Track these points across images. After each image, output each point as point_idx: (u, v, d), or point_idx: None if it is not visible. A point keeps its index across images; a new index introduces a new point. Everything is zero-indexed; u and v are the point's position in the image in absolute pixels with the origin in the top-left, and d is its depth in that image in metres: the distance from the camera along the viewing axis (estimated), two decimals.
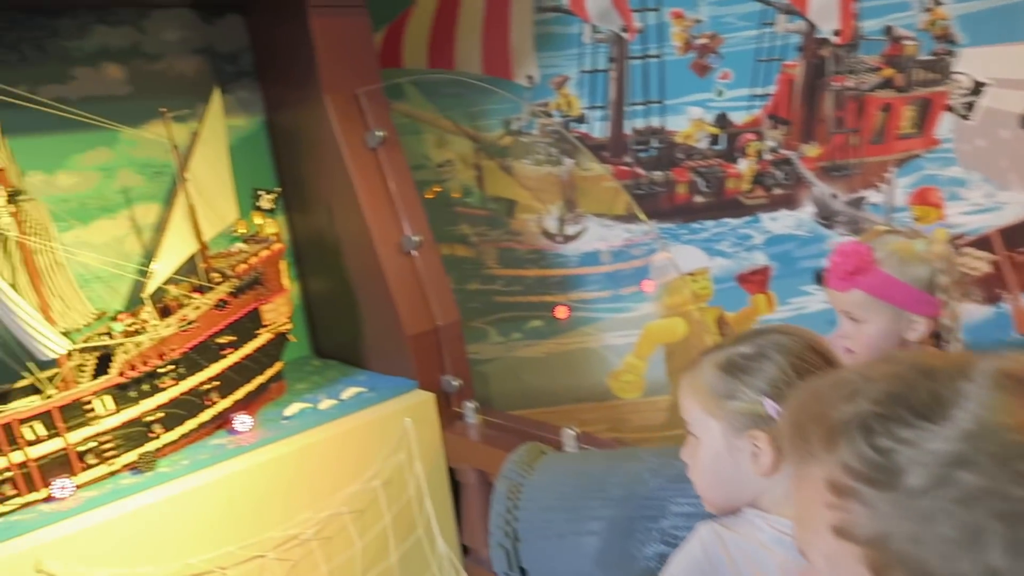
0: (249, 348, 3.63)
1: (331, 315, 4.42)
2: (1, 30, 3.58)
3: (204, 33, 4.19)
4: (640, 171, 4.78)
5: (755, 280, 4.77)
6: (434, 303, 3.95)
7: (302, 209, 4.36)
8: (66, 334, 3.32)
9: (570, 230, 4.79)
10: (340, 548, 3.30)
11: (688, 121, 4.72)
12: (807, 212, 4.67)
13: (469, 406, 3.78)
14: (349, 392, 3.68)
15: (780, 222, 4.73)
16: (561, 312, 4.66)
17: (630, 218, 4.77)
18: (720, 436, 1.69)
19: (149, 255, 3.93)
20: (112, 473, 3.06)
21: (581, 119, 4.85)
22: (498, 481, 2.68)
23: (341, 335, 4.35)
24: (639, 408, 4.61)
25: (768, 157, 4.71)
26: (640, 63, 4.72)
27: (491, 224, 4.82)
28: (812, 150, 4.65)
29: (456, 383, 3.85)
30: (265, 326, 3.70)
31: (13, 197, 3.08)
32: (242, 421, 3.38)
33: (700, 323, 4.70)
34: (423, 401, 3.68)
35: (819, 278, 4.81)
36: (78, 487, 2.96)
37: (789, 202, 4.74)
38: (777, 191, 4.72)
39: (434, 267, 4.02)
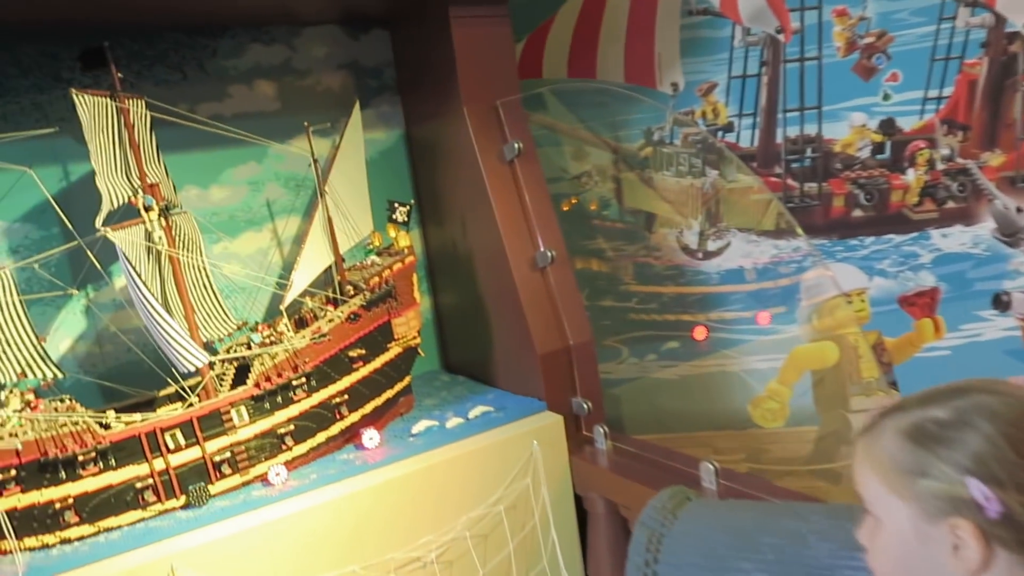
0: (379, 362, 3.65)
1: (461, 330, 4.39)
2: (167, 51, 3.79)
3: (350, 49, 4.29)
4: (792, 183, 4.45)
5: (921, 303, 4.31)
6: (567, 321, 3.82)
7: (437, 222, 4.36)
8: (209, 343, 3.48)
9: (712, 246, 4.52)
10: (462, 574, 3.23)
11: (848, 128, 4.34)
12: (986, 228, 4.17)
13: (599, 431, 3.62)
14: (477, 411, 3.61)
15: (953, 239, 4.26)
16: (699, 333, 4.40)
17: (779, 233, 4.44)
18: (908, 522, 1.38)
19: (290, 267, 4.05)
20: (245, 484, 3.13)
21: (728, 128, 4.58)
22: (637, 528, 2.48)
23: (471, 351, 4.31)
24: (781, 438, 4.28)
25: (941, 167, 4.25)
26: (796, 66, 4.39)
27: (628, 238, 4.63)
28: (995, 159, 4.15)
29: (586, 405, 3.71)
30: (395, 340, 3.72)
31: (165, 211, 3.24)
32: (370, 437, 3.39)
33: (853, 349, 4.30)
34: (552, 424, 3.55)
35: (999, 302, 4.30)
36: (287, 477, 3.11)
37: (964, 216, 4.25)
38: (950, 204, 4.25)
39: (567, 283, 3.89)
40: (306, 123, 3.68)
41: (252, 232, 4.02)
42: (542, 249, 3.84)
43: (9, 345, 3.11)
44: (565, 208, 4.57)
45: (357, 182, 3.91)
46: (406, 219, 3.80)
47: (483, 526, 3.30)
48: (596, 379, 3.84)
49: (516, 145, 3.87)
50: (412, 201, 3.82)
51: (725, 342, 4.40)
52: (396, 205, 3.78)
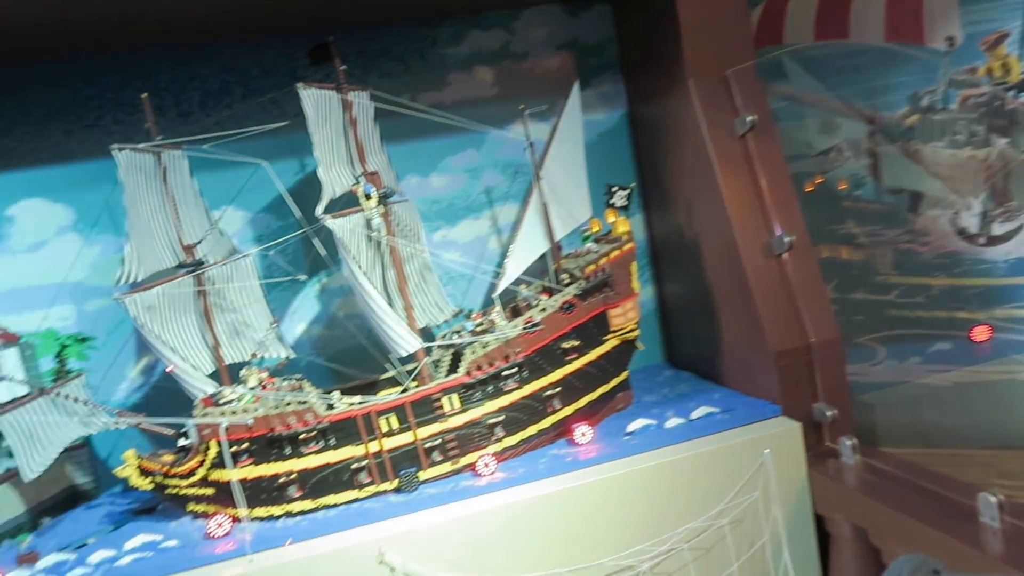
0: (594, 354, 3.45)
1: (687, 322, 4.05)
2: (391, 44, 3.88)
3: (570, 27, 4.13)
4: None
5: None
6: (807, 315, 3.35)
7: (661, 206, 4.06)
8: (426, 329, 3.50)
9: (998, 229, 3.75)
10: None
11: None
12: None
13: (847, 443, 3.12)
14: (700, 411, 3.28)
15: None
16: (980, 333, 3.67)
17: None
18: None
19: (505, 255, 3.99)
20: (455, 472, 3.08)
21: (1023, 86, 3.78)
22: None
23: (696, 345, 3.96)
24: None
25: None
26: None
27: (887, 221, 3.99)
28: None
29: (831, 413, 3.22)
30: (612, 332, 3.49)
31: (384, 199, 3.28)
32: (582, 432, 3.20)
33: None
34: (787, 431, 3.13)
35: None
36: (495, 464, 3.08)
37: None
38: None
39: (809, 272, 3.41)
40: (522, 107, 3.58)
41: (470, 220, 4.01)
42: (778, 234, 3.40)
43: (248, 326, 3.34)
44: (809, 189, 4.04)
45: (574, 166, 3.73)
46: (626, 203, 3.55)
47: (704, 540, 2.97)
48: (844, 382, 3.33)
49: (749, 119, 3.47)
50: (633, 184, 3.56)
51: (1016, 345, 3.64)
52: (615, 189, 3.55)
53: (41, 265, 3.50)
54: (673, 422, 3.24)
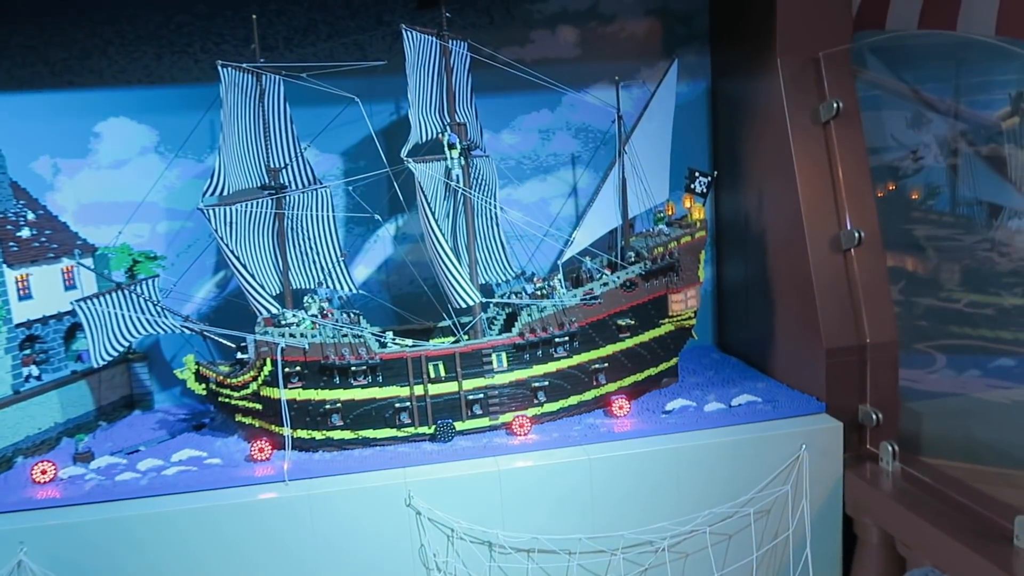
0: (647, 336, 3.45)
1: (741, 307, 4.00)
2: None
3: None
4: None
5: None
6: (867, 315, 3.27)
7: (732, 186, 3.97)
8: (486, 286, 3.55)
9: None
10: (693, 570, 2.97)
11: None
12: None
13: (888, 448, 3.08)
14: (742, 398, 3.26)
15: None
16: None
17: None
18: None
19: (570, 221, 3.99)
20: (492, 428, 3.15)
21: None
22: None
23: (748, 331, 3.91)
24: None
25: None
26: None
27: (967, 227, 3.82)
28: None
29: (876, 416, 3.17)
30: (669, 316, 3.49)
31: (467, 151, 3.32)
32: (620, 406, 3.22)
33: None
34: (828, 429, 3.09)
35: None
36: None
37: None
38: None
39: (875, 271, 3.33)
40: (616, 77, 3.54)
41: (536, 180, 4.01)
42: (849, 228, 3.31)
43: (318, 256, 3.44)
44: (886, 187, 3.89)
45: (661, 145, 3.68)
46: (705, 191, 3.51)
47: (727, 526, 2.98)
48: (894, 387, 3.25)
49: (835, 104, 3.36)
50: (715, 173, 3.51)
51: None
52: (697, 175, 3.51)
53: (122, 182, 3.65)
54: (713, 406, 3.23)
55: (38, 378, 3.32)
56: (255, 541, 2.76)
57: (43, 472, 2.89)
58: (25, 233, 3.36)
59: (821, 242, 3.33)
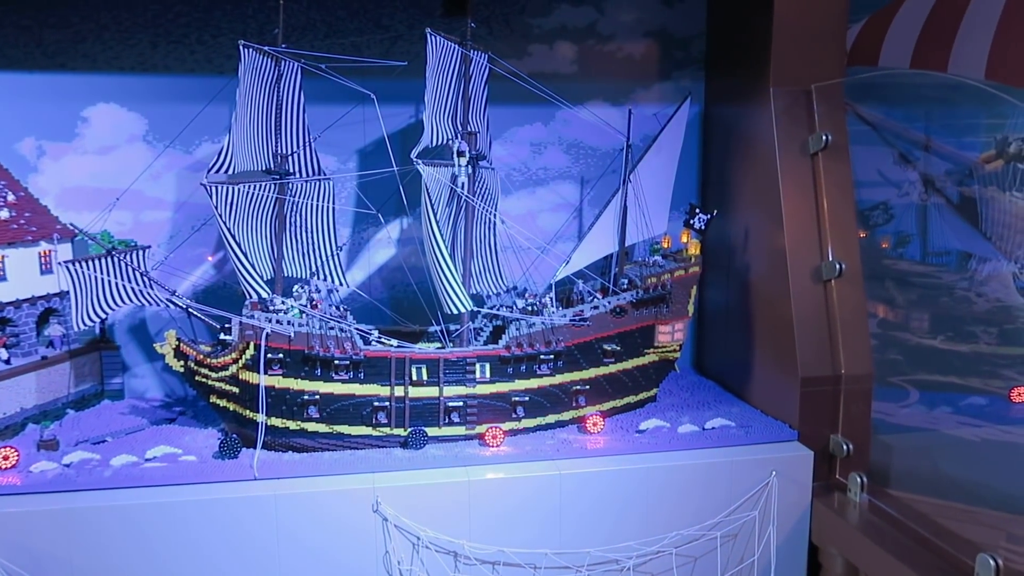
0: (631, 364, 3.48)
1: (720, 331, 4.02)
2: (477, 5, 3.86)
3: (661, 16, 4.06)
4: None
5: None
6: (843, 346, 3.30)
7: (719, 209, 3.99)
8: (477, 296, 3.55)
9: None
10: None
11: None
12: None
13: (856, 479, 3.10)
14: (715, 422, 3.28)
15: None
16: (1020, 394, 3.56)
17: None
18: None
19: (562, 238, 4.00)
20: (466, 437, 3.15)
21: None
22: None
23: (726, 355, 3.93)
24: None
25: None
26: None
27: (946, 265, 3.88)
28: None
29: (847, 447, 3.19)
30: (655, 347, 3.52)
31: (475, 160, 3.33)
32: (594, 422, 3.22)
33: None
34: (798, 457, 3.11)
35: None
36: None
37: None
38: None
39: (854, 303, 3.36)
40: (630, 108, 3.60)
41: (526, 193, 4.02)
42: (831, 259, 3.34)
43: (315, 246, 3.41)
44: (869, 221, 3.94)
45: (665, 179, 3.72)
46: (703, 228, 3.54)
47: (694, 548, 2.99)
48: (866, 419, 3.28)
49: (824, 137, 3.39)
50: (715, 211, 3.55)
51: None
52: (697, 211, 3.55)
53: (107, 169, 3.62)
54: (686, 428, 3.24)
55: (7, 362, 3.27)
56: (220, 538, 2.73)
57: (4, 458, 2.84)
58: (4, 214, 3.32)
59: (803, 271, 3.36)
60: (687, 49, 4.11)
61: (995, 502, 3.17)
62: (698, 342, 4.22)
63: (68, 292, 3.02)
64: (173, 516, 2.70)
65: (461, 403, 3.14)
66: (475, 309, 3.31)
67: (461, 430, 3.15)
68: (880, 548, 2.77)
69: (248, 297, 3.15)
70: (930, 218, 3.96)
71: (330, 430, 3.06)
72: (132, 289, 3.10)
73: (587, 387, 3.34)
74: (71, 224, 3.53)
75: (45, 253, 3.41)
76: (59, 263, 2.99)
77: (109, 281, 3.05)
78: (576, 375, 3.32)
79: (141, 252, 3.16)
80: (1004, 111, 3.90)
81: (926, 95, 3.97)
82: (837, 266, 3.31)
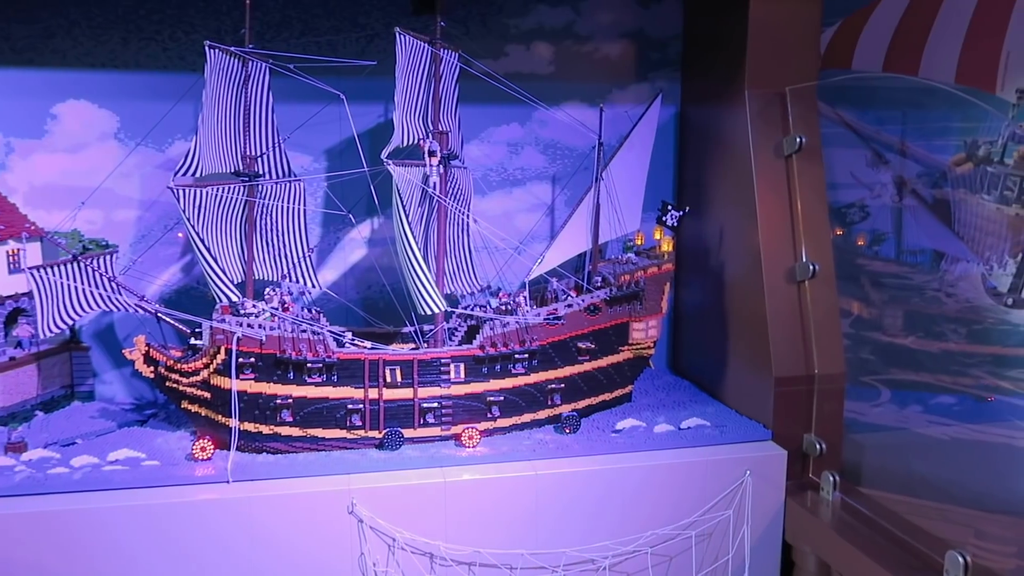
0: (605, 361, 3.49)
1: (695, 331, 4.05)
2: (453, 5, 3.85)
3: (638, 17, 4.07)
4: None
5: None
6: (816, 346, 3.33)
7: (694, 211, 4.01)
8: (451, 295, 3.54)
9: None
10: None
11: None
12: None
13: (829, 478, 3.13)
14: (691, 422, 3.30)
15: None
16: (990, 394, 3.63)
17: None
18: None
19: (537, 238, 3.99)
20: (442, 438, 3.14)
21: None
22: None
23: (701, 356, 3.96)
24: None
25: None
26: None
27: (917, 266, 3.94)
28: None
29: (820, 446, 3.22)
30: (629, 344, 3.53)
31: (446, 160, 3.31)
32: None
33: None
34: (772, 456, 3.14)
35: None
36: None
37: None
38: None
39: (827, 303, 3.39)
40: (601, 105, 3.59)
41: (502, 193, 4.01)
42: (804, 260, 3.38)
43: (285, 248, 3.38)
44: (842, 222, 3.99)
45: (637, 175, 3.73)
46: (676, 224, 3.56)
47: (669, 547, 3.01)
48: (839, 419, 3.32)
49: (798, 139, 3.43)
50: (687, 208, 3.57)
51: (1019, 410, 3.59)
52: (670, 207, 3.56)
53: (78, 167, 3.56)
54: (662, 428, 3.26)
55: None
56: (193, 541, 2.70)
57: None
58: None
59: (777, 273, 3.39)
60: (664, 51, 4.13)
61: (964, 500, 3.23)
62: (674, 343, 4.24)
63: (33, 299, 2.96)
64: (146, 519, 2.66)
65: (436, 404, 3.14)
66: (449, 309, 3.30)
67: (436, 431, 3.14)
68: (852, 546, 2.81)
69: (218, 301, 3.12)
70: (902, 220, 4.02)
71: (304, 434, 3.04)
72: (100, 295, 3.04)
73: (562, 385, 3.34)
74: (36, 226, 3.47)
75: (13, 252, 3.35)
76: (24, 269, 2.92)
77: (76, 287, 3.00)
78: (551, 374, 3.33)
79: (109, 257, 3.10)
80: (975, 114, 3.96)
81: (899, 98, 4.03)
82: (811, 267, 3.34)
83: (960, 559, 2.50)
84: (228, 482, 2.77)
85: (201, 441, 2.93)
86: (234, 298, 3.11)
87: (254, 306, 3.12)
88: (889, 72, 4.40)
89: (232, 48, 3.11)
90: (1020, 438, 3.55)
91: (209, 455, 2.92)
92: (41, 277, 2.94)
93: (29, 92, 3.50)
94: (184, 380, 3.02)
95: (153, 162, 3.64)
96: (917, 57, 4.32)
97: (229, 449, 2.93)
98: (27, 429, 3.18)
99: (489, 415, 3.21)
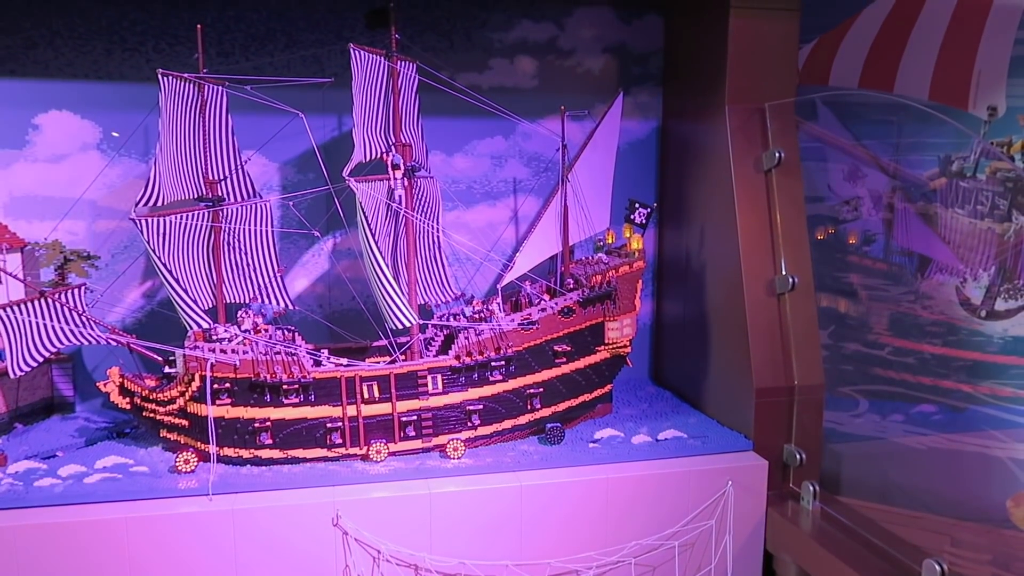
0: (583, 362, 3.49)
1: (677, 343, 4.09)
2: (440, 18, 3.89)
3: (620, 32, 4.13)
4: None
5: None
6: (796, 358, 3.38)
7: (676, 224, 4.08)
8: (425, 307, 3.55)
9: (1001, 305, 3.76)
10: None
11: None
12: None
13: (809, 487, 3.17)
14: (671, 433, 3.32)
15: None
16: (963, 404, 3.70)
17: None
18: None
19: (514, 246, 4.01)
20: (424, 450, 3.14)
21: None
22: None
23: (682, 367, 3.99)
24: None
25: None
26: None
27: (893, 279, 4.01)
28: None
29: (800, 456, 3.26)
30: (605, 344, 3.54)
31: (411, 172, 3.32)
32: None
33: None
34: (754, 467, 3.17)
35: None
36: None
37: None
38: None
39: (806, 316, 3.44)
40: (562, 107, 3.61)
41: (486, 205, 4.04)
42: (784, 273, 3.43)
43: (254, 270, 3.38)
44: (821, 235, 4.05)
45: (603, 175, 3.76)
46: (644, 222, 3.58)
47: (652, 557, 3.03)
48: (818, 429, 3.36)
49: (777, 154, 3.48)
50: (655, 204, 3.60)
51: (995, 421, 3.67)
52: (637, 205, 3.58)
53: (59, 177, 3.55)
54: (641, 439, 3.28)
55: None
56: (176, 555, 2.68)
57: None
58: None
59: (757, 285, 3.43)
60: (645, 65, 4.18)
61: (940, 508, 3.29)
62: (656, 354, 4.28)
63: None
64: (126, 532, 2.64)
65: (415, 417, 3.14)
66: (421, 322, 3.30)
67: (418, 443, 3.14)
68: (831, 555, 2.84)
69: (189, 328, 3.11)
70: (878, 233, 4.09)
71: (285, 456, 3.03)
72: (70, 330, 3.02)
73: (541, 389, 3.35)
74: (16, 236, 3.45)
75: None
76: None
77: (44, 324, 2.97)
78: (529, 378, 3.34)
79: (77, 291, 3.07)
80: (948, 130, 4.05)
81: (874, 115, 4.11)
82: (790, 280, 3.39)
83: (937, 567, 2.54)
84: (209, 497, 2.76)
85: (184, 454, 2.91)
86: (204, 325, 3.10)
87: (226, 330, 3.11)
88: (865, 89, 4.48)
89: (186, 75, 3.09)
90: (994, 447, 3.62)
91: (193, 467, 2.91)
92: (8, 316, 2.90)
93: (11, 102, 3.49)
94: (161, 409, 3.02)
95: (136, 171, 3.62)
96: (893, 73, 4.42)
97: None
98: (6, 442, 3.15)
99: (470, 424, 3.21)
